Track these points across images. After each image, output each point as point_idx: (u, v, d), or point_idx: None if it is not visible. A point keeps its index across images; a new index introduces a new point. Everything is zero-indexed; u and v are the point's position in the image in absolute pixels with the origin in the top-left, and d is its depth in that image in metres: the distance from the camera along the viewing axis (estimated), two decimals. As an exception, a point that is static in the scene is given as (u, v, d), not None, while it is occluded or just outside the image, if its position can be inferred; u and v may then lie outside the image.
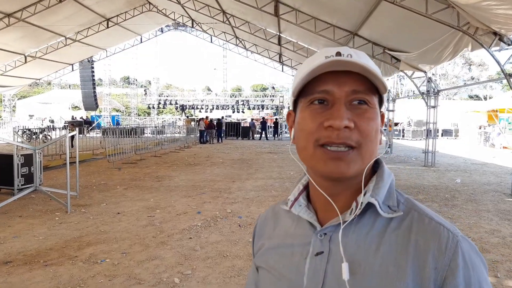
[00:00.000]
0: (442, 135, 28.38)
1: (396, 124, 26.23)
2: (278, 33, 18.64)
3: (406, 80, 37.70)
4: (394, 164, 13.56)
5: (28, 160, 8.06)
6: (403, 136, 29.49)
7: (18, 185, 7.82)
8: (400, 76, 35.94)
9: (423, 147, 14.61)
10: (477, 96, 48.52)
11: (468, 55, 40.66)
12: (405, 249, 0.64)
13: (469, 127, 25.54)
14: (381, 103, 0.71)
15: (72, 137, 16.49)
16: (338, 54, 0.67)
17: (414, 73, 13.86)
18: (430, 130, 13.96)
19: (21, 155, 8.00)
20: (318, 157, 0.67)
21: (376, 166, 0.75)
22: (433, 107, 13.68)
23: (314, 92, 0.68)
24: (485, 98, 41.37)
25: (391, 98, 19.17)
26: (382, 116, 0.73)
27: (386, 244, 0.65)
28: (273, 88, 42.07)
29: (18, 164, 7.86)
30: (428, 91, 13.72)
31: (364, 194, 0.68)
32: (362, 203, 0.68)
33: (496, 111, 22.64)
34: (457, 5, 7.40)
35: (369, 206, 0.68)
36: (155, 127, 26.37)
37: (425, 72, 13.00)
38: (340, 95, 0.66)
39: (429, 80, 13.59)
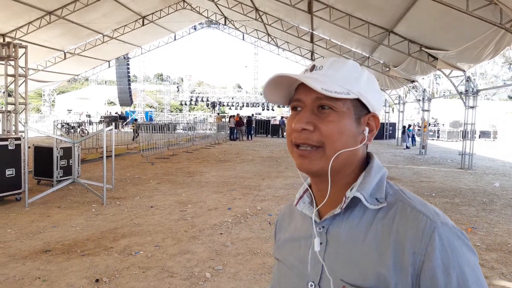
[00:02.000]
0: (479, 137, 27.35)
1: (429, 125, 25.42)
2: (310, 31, 18.46)
3: (442, 79, 36.49)
4: (429, 166, 13.18)
5: (67, 153, 8.38)
6: (438, 137, 28.61)
7: (57, 177, 8.14)
8: (436, 75, 34.84)
9: (459, 148, 14.13)
10: (518, 97, 46.37)
11: (508, 54, 38.98)
12: (387, 237, 0.71)
13: (509, 128, 24.46)
14: (366, 105, 0.79)
15: (136, 132, 18.95)
16: (313, 67, 0.80)
17: (452, 72, 13.41)
18: (467, 131, 13.47)
19: (61, 148, 8.31)
20: (293, 155, 0.80)
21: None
22: (472, 107, 13.19)
23: (292, 101, 0.81)
24: (527, 99, 39.46)
25: (426, 98, 18.63)
26: (373, 117, 0.81)
27: (372, 233, 0.73)
28: (304, 86, 41.70)
29: (57, 156, 8.18)
30: (466, 90, 13.24)
31: (352, 189, 0.77)
32: (348, 197, 0.76)
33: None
34: (500, 1, 7.08)
35: (359, 199, 0.76)
36: (187, 123, 26.75)
37: (464, 71, 12.54)
38: (307, 102, 0.78)
39: (468, 80, 13.11)
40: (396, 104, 24.47)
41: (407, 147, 20.40)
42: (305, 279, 0.80)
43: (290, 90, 0.82)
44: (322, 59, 0.82)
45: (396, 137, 24.87)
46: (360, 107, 0.78)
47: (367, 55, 18.07)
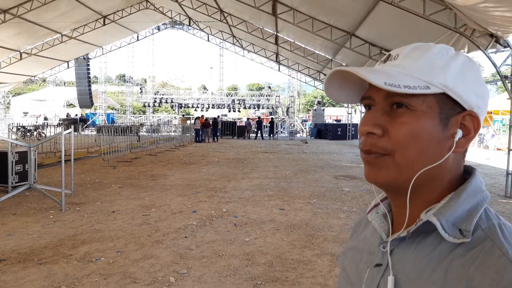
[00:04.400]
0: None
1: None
2: (275, 33, 18.65)
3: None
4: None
5: (22, 157, 8.00)
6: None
7: (12, 183, 7.76)
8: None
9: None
10: (472, 98, 48.68)
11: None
12: (458, 281, 0.56)
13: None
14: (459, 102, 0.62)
15: (138, 134, 19.47)
16: (388, 57, 0.67)
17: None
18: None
19: (16, 153, 7.93)
20: (363, 161, 0.67)
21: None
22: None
23: (364, 98, 0.68)
24: (480, 100, 41.49)
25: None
26: (470, 117, 0.63)
27: (441, 270, 0.58)
28: (269, 87, 42.04)
29: (12, 161, 7.80)
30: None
31: (428, 211, 0.62)
32: (421, 220, 0.62)
33: (491, 113, 22.77)
34: (454, 7, 7.43)
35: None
36: (151, 125, 26.28)
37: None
38: (378, 100, 0.64)
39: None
40: (358, 105, 25.10)
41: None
42: None
43: (363, 86, 0.69)
44: (402, 47, 0.66)
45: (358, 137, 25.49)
46: (451, 104, 0.62)
47: (330, 58, 18.45)
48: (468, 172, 0.67)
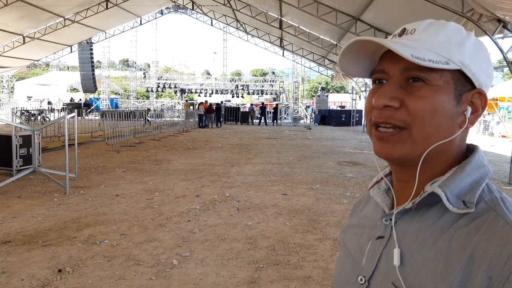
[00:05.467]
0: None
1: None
2: (279, 17, 18.43)
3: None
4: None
5: (26, 141, 8.04)
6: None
7: (16, 166, 7.82)
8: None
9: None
10: (477, 85, 48.27)
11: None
12: (463, 249, 0.57)
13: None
14: (471, 79, 0.64)
15: (146, 118, 20.26)
16: (403, 31, 0.67)
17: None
18: None
19: (20, 136, 7.97)
20: (372, 137, 0.67)
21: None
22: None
23: (374, 72, 0.68)
24: (486, 87, 41.18)
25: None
26: (479, 94, 0.65)
27: (445, 240, 0.60)
28: (273, 73, 41.79)
29: (16, 145, 7.84)
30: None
31: (433, 183, 0.64)
32: (426, 191, 0.63)
33: (496, 99, 22.57)
34: (461, -9, 7.30)
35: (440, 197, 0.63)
36: (154, 110, 26.27)
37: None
38: (393, 73, 0.64)
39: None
40: (362, 91, 24.94)
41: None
42: (357, 271, 0.71)
43: (373, 60, 0.69)
44: (416, 22, 0.66)
45: (363, 123, 25.42)
46: (464, 80, 0.63)
47: (335, 43, 18.25)
48: (469, 149, 0.69)
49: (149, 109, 24.44)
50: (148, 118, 21.19)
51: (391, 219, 0.68)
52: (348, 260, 0.76)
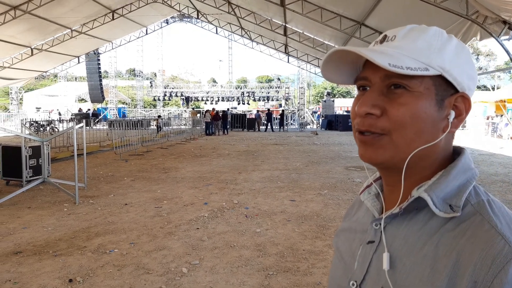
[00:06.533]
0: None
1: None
2: (284, 24, 18.51)
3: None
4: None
5: (36, 152, 8.11)
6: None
7: (26, 177, 7.89)
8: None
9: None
10: (484, 87, 48.03)
11: (476, 45, 40.19)
12: (449, 254, 0.57)
13: (476, 117, 25.30)
14: (453, 84, 0.64)
15: (159, 127, 21.14)
16: (384, 38, 0.67)
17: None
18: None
19: (29, 147, 8.05)
20: (356, 141, 0.68)
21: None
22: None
23: (358, 79, 0.68)
24: (493, 89, 40.94)
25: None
26: (462, 98, 0.65)
27: (432, 245, 0.60)
28: (279, 79, 41.87)
29: (26, 156, 7.91)
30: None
31: (419, 188, 0.64)
32: (412, 196, 0.64)
33: (504, 101, 22.38)
34: (466, -7, 7.29)
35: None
36: (162, 118, 26.40)
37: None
38: (375, 81, 0.65)
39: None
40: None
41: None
42: (349, 276, 0.71)
43: (357, 67, 0.69)
44: (397, 28, 0.67)
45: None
46: (445, 85, 0.63)
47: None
48: (457, 152, 0.69)
49: (159, 116, 24.58)
50: (160, 125, 21.49)
51: (381, 224, 0.68)
52: (341, 265, 0.76)
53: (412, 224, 0.64)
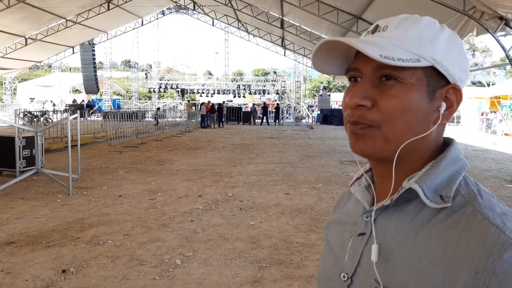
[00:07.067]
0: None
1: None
2: (281, 16, 18.43)
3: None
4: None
5: (29, 142, 8.06)
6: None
7: (19, 167, 7.83)
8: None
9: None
10: (480, 83, 48.21)
11: (472, 41, 40.27)
12: (443, 246, 0.57)
13: (471, 113, 25.45)
14: (444, 75, 0.63)
15: (156, 119, 21.02)
16: (376, 28, 0.66)
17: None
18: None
19: (23, 138, 7.99)
20: (347, 132, 0.67)
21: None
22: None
23: (349, 70, 0.67)
24: (488, 85, 41.13)
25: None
26: (454, 90, 0.64)
27: (424, 237, 0.60)
28: (275, 73, 41.77)
29: (19, 146, 7.86)
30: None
31: (410, 179, 0.63)
32: (403, 188, 0.63)
33: (499, 97, 22.52)
34: (463, -11, 7.28)
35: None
36: (159, 109, 26.31)
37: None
38: (366, 72, 0.64)
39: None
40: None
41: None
42: (340, 268, 0.71)
43: (348, 58, 0.68)
44: (389, 18, 0.66)
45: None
46: (437, 77, 0.63)
47: (336, 42, 18.23)
48: (446, 143, 0.68)
49: (159, 109, 24.44)
50: (157, 117, 21.46)
51: (371, 216, 0.68)
52: (331, 257, 0.76)
53: (403, 216, 0.64)
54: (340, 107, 36.00)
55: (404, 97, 0.61)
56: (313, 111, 36.13)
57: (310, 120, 33.47)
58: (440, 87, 0.63)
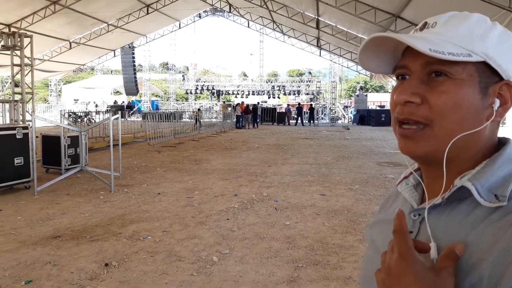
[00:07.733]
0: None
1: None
2: (316, 17, 18.30)
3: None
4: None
5: (74, 141, 8.45)
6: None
7: (65, 165, 8.23)
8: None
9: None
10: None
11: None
12: (493, 244, 0.54)
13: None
14: (497, 71, 0.61)
15: (198, 121, 21.66)
16: (424, 25, 0.65)
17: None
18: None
19: (68, 137, 8.39)
20: (396, 134, 0.66)
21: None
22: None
23: (397, 68, 0.66)
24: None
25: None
26: (507, 86, 0.61)
27: (476, 236, 0.57)
28: (310, 73, 41.44)
29: (65, 145, 8.25)
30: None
31: (462, 177, 0.61)
32: (455, 186, 0.61)
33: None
34: (510, -17, 6.96)
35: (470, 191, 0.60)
36: (193, 112, 26.79)
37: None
38: (415, 68, 0.62)
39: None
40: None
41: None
42: None
43: (395, 55, 0.67)
44: (438, 15, 0.65)
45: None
46: (489, 72, 0.61)
47: (374, 41, 17.89)
48: (502, 143, 0.65)
49: (199, 109, 24.78)
50: (198, 118, 21.93)
51: (419, 214, 0.66)
52: (376, 257, 0.71)
53: (454, 215, 0.61)
54: (378, 108, 35.19)
55: (455, 93, 0.59)
56: (345, 109, 35.56)
57: (346, 121, 32.98)
58: (493, 83, 0.61)
